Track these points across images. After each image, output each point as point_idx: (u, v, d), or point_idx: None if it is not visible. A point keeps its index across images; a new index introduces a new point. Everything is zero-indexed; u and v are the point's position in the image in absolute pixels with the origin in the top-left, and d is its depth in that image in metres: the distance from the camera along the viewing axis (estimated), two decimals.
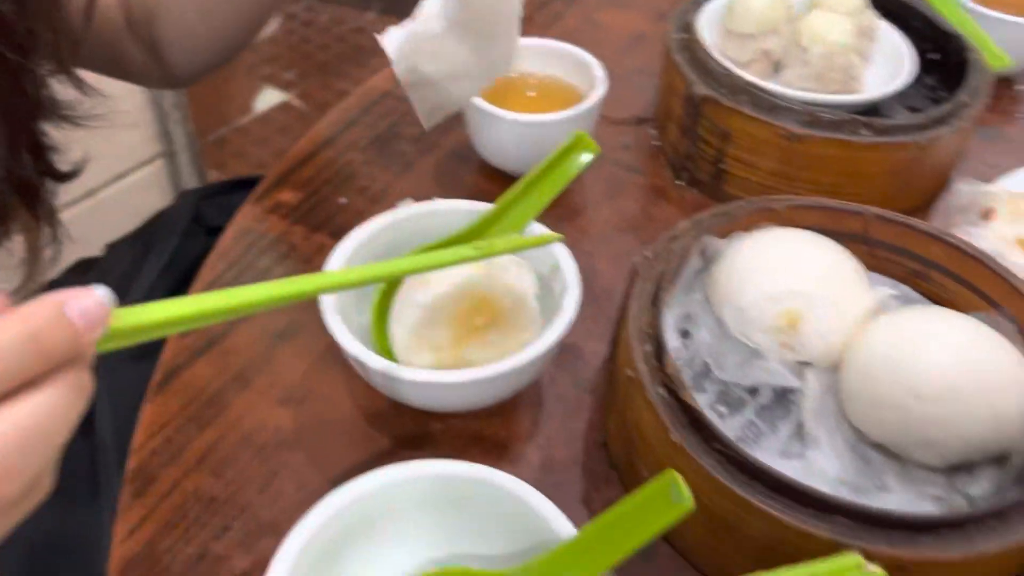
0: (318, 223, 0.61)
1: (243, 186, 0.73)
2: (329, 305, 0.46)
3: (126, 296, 0.63)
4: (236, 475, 0.46)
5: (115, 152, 1.35)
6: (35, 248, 0.47)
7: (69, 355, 0.25)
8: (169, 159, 1.47)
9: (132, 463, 0.46)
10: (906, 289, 0.49)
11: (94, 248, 0.72)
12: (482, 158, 0.64)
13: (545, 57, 0.64)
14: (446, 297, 0.45)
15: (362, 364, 0.44)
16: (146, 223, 0.68)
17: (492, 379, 0.44)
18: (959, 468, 0.43)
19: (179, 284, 0.64)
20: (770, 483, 0.38)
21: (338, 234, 0.60)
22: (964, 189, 0.57)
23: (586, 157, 0.48)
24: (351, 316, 0.47)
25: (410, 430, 0.49)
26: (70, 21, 0.46)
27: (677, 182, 0.64)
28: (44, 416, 0.24)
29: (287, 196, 0.63)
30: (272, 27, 2.32)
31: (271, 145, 2.02)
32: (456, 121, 0.69)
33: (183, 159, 1.50)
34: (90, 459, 0.55)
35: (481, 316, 0.46)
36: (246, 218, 0.61)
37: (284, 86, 2.18)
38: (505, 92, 0.63)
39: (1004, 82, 0.73)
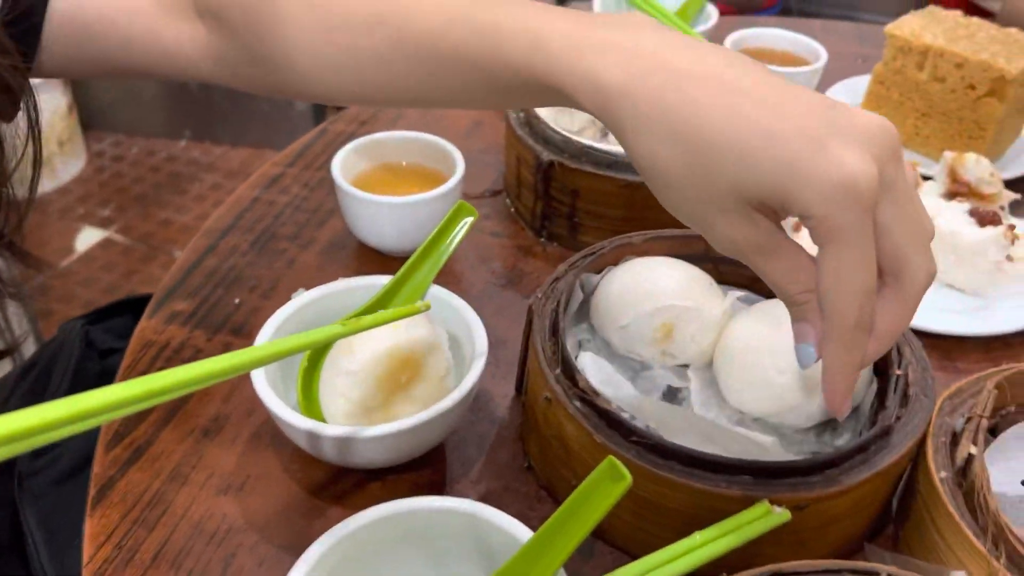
0: (217, 325, 0.64)
1: (122, 309, 0.75)
2: (260, 380, 0.49)
3: None
4: (195, 564, 0.48)
5: None
6: None
7: None
8: None
9: (86, 575, 0.47)
10: (748, 293, 0.59)
11: None
12: (359, 242, 0.70)
13: (407, 147, 0.72)
14: (371, 361, 0.50)
15: (303, 432, 0.48)
16: (30, 360, 0.68)
17: (418, 428, 0.48)
18: (825, 426, 0.52)
19: None
20: (685, 460, 0.45)
21: (239, 331, 0.63)
22: None
23: (468, 220, 0.55)
24: (282, 395, 0.51)
25: (350, 490, 0.53)
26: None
27: (540, 239, 0.73)
28: None
29: (181, 305, 0.65)
30: (79, 166, 2.27)
31: (98, 284, 1.96)
32: (328, 214, 0.75)
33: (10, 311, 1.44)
34: None
35: (405, 373, 0.51)
36: (145, 332, 0.63)
37: (102, 223, 2.13)
38: (377, 182, 0.69)
39: None
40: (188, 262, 0.69)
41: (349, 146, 0.70)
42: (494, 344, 0.61)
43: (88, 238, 2.09)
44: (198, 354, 0.61)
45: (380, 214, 0.66)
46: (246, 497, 0.52)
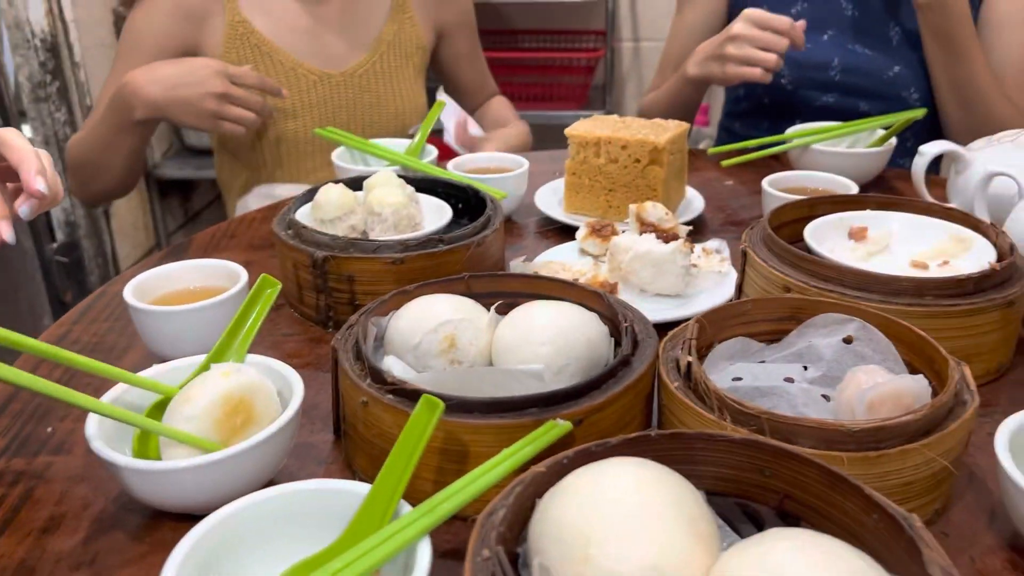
0: (34, 451, 0.66)
1: None
2: (94, 430, 0.55)
3: None
4: None
5: None
6: None
7: None
8: None
9: None
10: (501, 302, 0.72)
11: None
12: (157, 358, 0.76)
13: (195, 272, 0.80)
14: (209, 404, 0.57)
15: (137, 472, 0.53)
16: None
17: (242, 455, 0.55)
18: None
19: None
20: (484, 408, 0.55)
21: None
22: (513, 263, 0.84)
23: (272, 290, 0.65)
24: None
25: None
26: None
27: (328, 330, 0.82)
28: None
29: None
30: None
31: None
32: (125, 350, 0.80)
33: None
34: None
35: (239, 415, 0.58)
36: None
37: None
38: (170, 301, 0.77)
39: None
40: None
41: (141, 277, 0.77)
42: (308, 407, 0.69)
43: None
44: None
45: (174, 322, 0.73)
46: (100, 569, 0.55)
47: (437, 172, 1.05)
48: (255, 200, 1.31)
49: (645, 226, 0.92)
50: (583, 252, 0.95)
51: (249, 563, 0.49)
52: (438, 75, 1.58)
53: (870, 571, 0.39)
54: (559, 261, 0.92)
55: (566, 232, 1.04)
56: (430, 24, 1.48)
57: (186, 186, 2.78)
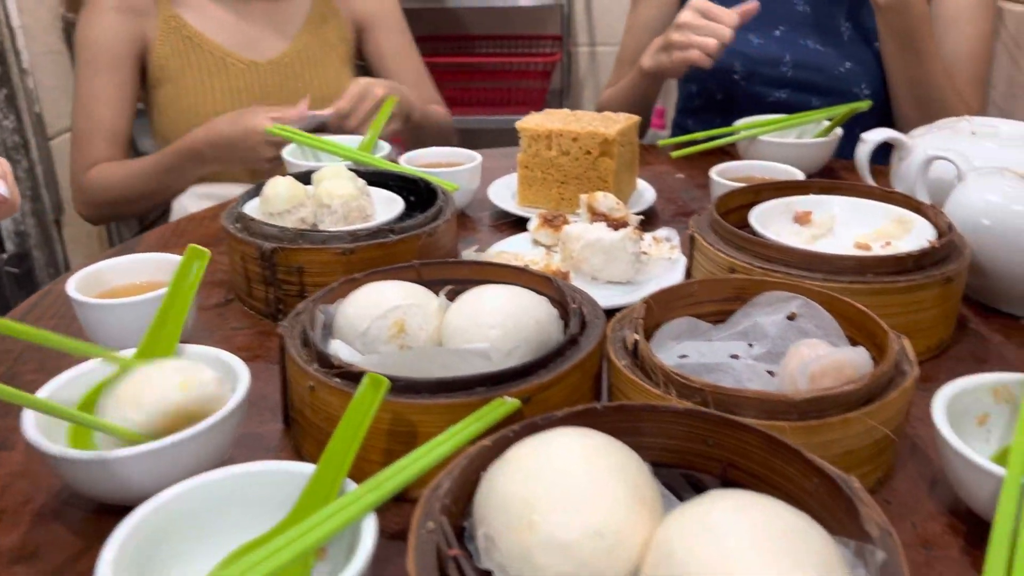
0: None
1: None
2: (31, 423, 0.54)
3: None
4: None
5: None
6: None
7: None
8: None
9: None
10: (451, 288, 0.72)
11: None
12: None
13: (142, 266, 0.79)
14: (159, 416, 0.56)
15: (67, 461, 0.52)
16: None
17: (184, 443, 0.53)
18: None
19: None
20: (432, 387, 0.55)
21: None
22: (465, 253, 0.84)
23: (200, 264, 0.64)
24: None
25: None
26: None
27: (277, 323, 0.81)
28: None
29: None
30: None
31: None
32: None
33: None
34: None
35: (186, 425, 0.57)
36: None
37: None
38: (117, 295, 0.75)
39: None
40: None
41: (86, 271, 0.76)
42: (257, 398, 0.69)
43: None
44: None
45: (119, 315, 0.71)
46: (38, 562, 0.53)
47: (389, 166, 1.05)
48: (192, 201, 1.31)
49: (596, 215, 0.93)
50: (536, 243, 0.96)
51: (193, 550, 0.48)
52: (373, 74, 1.59)
53: (810, 529, 0.40)
54: (512, 251, 0.93)
55: (519, 225, 1.04)
56: (350, 15, 1.54)
57: None
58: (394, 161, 1.12)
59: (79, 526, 0.56)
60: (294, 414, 0.63)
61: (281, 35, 1.45)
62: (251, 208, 0.88)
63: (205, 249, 0.64)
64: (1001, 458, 0.53)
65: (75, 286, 0.73)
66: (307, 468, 0.49)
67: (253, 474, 0.50)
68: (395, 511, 0.56)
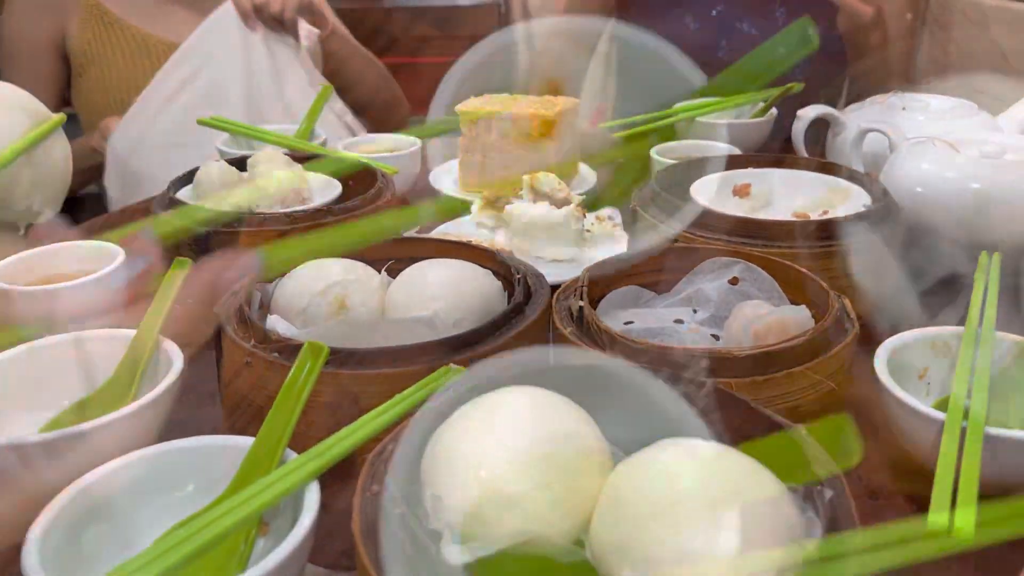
0: None
1: None
2: None
3: None
4: None
5: None
6: None
7: None
8: None
9: None
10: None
11: None
12: None
13: (68, 254, 0.76)
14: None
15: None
16: None
17: (102, 429, 0.50)
18: None
19: None
20: (377, 356, 0.54)
21: None
22: (407, 235, 0.83)
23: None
24: None
25: None
26: None
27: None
28: None
29: None
30: None
31: None
32: None
33: None
34: None
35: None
36: None
37: None
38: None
39: None
40: None
41: (9, 260, 0.72)
42: (195, 382, 0.66)
43: None
44: None
45: (46, 303, 0.68)
46: None
47: (325, 152, 1.03)
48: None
49: (539, 196, 0.93)
50: (480, 225, 0.95)
51: (128, 529, 0.46)
52: None
53: (759, 472, 0.40)
54: (455, 233, 0.91)
55: (462, 211, 1.03)
56: None
57: (72, 204, 2.65)
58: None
59: None
60: (231, 394, 0.61)
61: (201, 14, 1.42)
62: (184, 196, 0.86)
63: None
64: (941, 406, 0.54)
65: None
66: (245, 441, 0.47)
67: (187, 450, 0.48)
68: (341, 486, 0.55)
